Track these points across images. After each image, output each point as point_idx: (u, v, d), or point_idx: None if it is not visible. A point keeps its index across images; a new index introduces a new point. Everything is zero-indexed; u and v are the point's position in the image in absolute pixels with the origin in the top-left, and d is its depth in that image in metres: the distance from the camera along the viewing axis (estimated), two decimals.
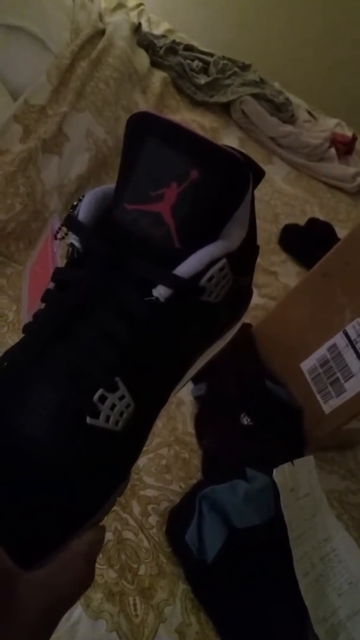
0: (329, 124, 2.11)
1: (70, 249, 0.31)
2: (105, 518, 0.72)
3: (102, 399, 0.28)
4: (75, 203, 0.32)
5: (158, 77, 1.68)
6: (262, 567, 0.77)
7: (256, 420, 0.97)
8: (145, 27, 1.94)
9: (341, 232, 1.59)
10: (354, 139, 2.01)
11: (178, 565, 0.76)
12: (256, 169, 0.33)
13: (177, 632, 0.70)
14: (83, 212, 0.31)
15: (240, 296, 0.36)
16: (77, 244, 0.31)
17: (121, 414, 0.29)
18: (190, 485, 0.84)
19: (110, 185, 0.32)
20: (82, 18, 1.48)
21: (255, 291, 1.28)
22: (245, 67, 2.08)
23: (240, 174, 0.31)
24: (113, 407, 0.28)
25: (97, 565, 0.72)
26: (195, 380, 1.01)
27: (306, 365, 1.00)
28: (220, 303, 0.31)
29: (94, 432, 0.28)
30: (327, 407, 0.96)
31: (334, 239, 1.51)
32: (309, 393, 0.99)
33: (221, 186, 0.30)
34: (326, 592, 0.82)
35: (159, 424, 0.90)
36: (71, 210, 0.32)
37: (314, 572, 0.82)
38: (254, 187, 0.33)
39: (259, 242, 1.28)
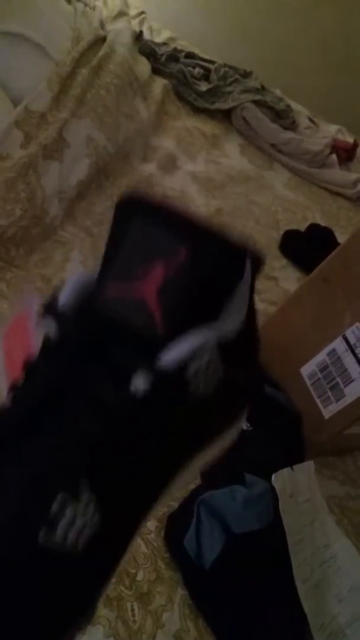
0: (330, 131, 2.12)
1: (46, 336, 0.28)
2: None
3: (62, 507, 0.23)
4: (57, 289, 0.29)
5: (159, 84, 1.69)
6: (260, 573, 0.76)
7: (255, 425, 0.96)
8: (146, 35, 1.96)
9: (342, 238, 1.59)
10: (355, 145, 2.02)
11: (176, 571, 0.75)
12: (255, 255, 0.29)
13: (175, 638, 0.70)
14: (64, 298, 0.28)
15: (238, 392, 0.31)
16: (53, 331, 0.27)
17: (83, 528, 0.23)
18: (188, 490, 0.84)
19: (93, 273, 0.30)
20: (83, 25, 1.50)
21: (255, 296, 1.29)
22: (246, 74, 2.09)
23: (234, 258, 0.28)
24: (74, 518, 0.23)
25: None
26: None
27: (306, 370, 1.00)
28: (210, 398, 0.27)
29: (47, 552, 0.22)
30: (327, 412, 0.96)
31: (334, 244, 1.51)
32: (308, 398, 0.99)
33: (212, 269, 0.27)
34: (326, 599, 0.81)
35: None
36: (52, 296, 0.29)
37: (314, 578, 0.81)
38: (254, 276, 0.30)
39: (260, 247, 1.27)
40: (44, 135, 1.08)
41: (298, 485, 0.87)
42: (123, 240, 0.28)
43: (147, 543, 0.76)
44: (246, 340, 0.30)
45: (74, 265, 1.06)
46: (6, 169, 1.00)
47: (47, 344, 0.27)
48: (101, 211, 1.20)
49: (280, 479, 0.83)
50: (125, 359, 0.26)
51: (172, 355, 0.25)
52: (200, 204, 1.42)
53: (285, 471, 0.85)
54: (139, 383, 0.25)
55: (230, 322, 0.28)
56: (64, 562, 0.23)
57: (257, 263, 0.29)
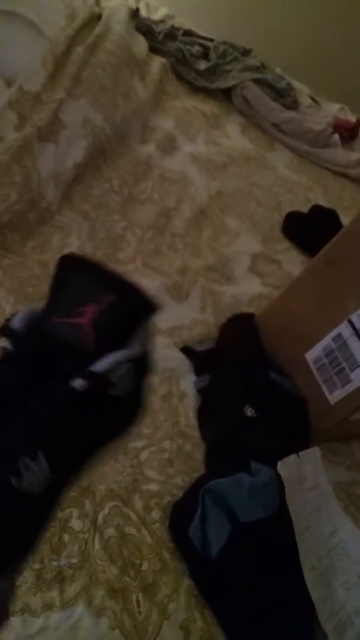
0: (332, 110, 2.07)
1: (4, 350, 0.38)
2: (108, 512, 0.70)
3: (26, 466, 0.33)
4: (8, 317, 0.39)
5: (157, 63, 1.64)
6: (267, 562, 0.75)
7: (260, 411, 0.95)
8: (143, 12, 1.91)
9: (346, 220, 1.56)
10: (358, 124, 1.97)
11: (182, 561, 0.74)
12: (153, 303, 0.41)
13: (182, 629, 0.69)
14: (16, 322, 0.38)
15: (137, 399, 0.43)
16: (9, 347, 0.37)
17: (39, 479, 0.34)
18: (193, 479, 0.82)
19: (39, 308, 0.40)
20: (78, 3, 1.45)
21: (258, 280, 1.27)
22: (246, 52, 2.04)
23: (142, 303, 0.40)
24: (34, 473, 0.33)
25: (98, 561, 0.70)
26: (199, 372, 0.99)
27: (311, 355, 0.98)
28: (124, 398, 0.38)
29: (15, 491, 0.33)
30: (333, 397, 0.94)
31: (338, 226, 1.48)
32: (314, 383, 0.97)
33: (128, 309, 0.39)
34: (333, 587, 0.80)
35: (161, 416, 0.89)
36: (6, 320, 0.39)
37: (321, 566, 0.80)
38: (151, 316, 0.41)
39: (262, 229, 1.25)
40: (38, 117, 1.05)
41: (304, 472, 0.86)
42: (66, 288, 0.39)
43: (151, 533, 0.75)
44: (143, 361, 0.41)
45: (72, 250, 1.03)
46: (0, 152, 0.96)
47: (5, 356, 0.37)
48: (99, 194, 1.17)
49: (287, 466, 0.81)
50: (68, 367, 0.36)
51: (101, 364, 0.36)
52: (200, 186, 1.39)
53: (291, 458, 0.83)
54: (79, 383, 0.35)
55: (137, 347, 0.40)
56: (27, 499, 0.33)
57: (155, 308, 0.40)
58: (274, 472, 0.79)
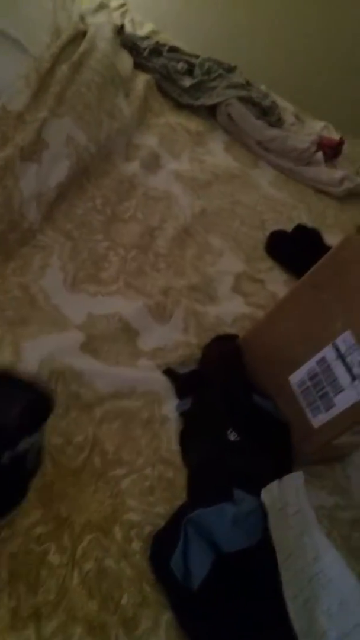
0: (316, 127, 2.10)
1: None
2: (86, 545, 0.69)
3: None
4: None
5: (142, 79, 1.65)
6: (251, 594, 0.74)
7: (243, 435, 0.94)
8: (128, 28, 1.91)
9: (329, 238, 1.57)
10: (341, 142, 2.00)
11: (163, 594, 0.72)
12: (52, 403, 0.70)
13: None
14: None
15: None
16: None
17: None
18: (175, 507, 0.81)
19: None
20: (62, 19, 1.45)
21: (241, 299, 1.26)
22: (230, 69, 2.05)
23: (47, 403, 0.69)
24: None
25: (76, 597, 0.68)
26: (181, 394, 0.98)
27: (294, 378, 0.98)
28: (32, 468, 0.62)
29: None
30: (317, 421, 0.94)
31: (322, 245, 1.49)
32: (297, 407, 0.97)
33: (44, 408, 0.68)
34: (316, 615, 0.79)
35: (142, 442, 0.87)
36: None
37: (303, 594, 0.79)
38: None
39: (246, 248, 1.27)
40: (21, 136, 1.03)
41: (287, 497, 0.85)
42: None
43: (132, 565, 0.73)
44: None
45: (53, 271, 1.02)
46: None
47: None
48: (82, 213, 1.16)
49: (269, 493, 0.80)
50: None
51: (21, 445, 0.59)
52: (184, 204, 1.39)
53: (275, 484, 0.82)
54: (5, 458, 0.54)
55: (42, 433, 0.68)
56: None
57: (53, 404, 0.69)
58: (258, 500, 0.78)
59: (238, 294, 1.25)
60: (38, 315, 0.94)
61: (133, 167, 1.35)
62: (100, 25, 1.57)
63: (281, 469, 0.91)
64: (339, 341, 0.91)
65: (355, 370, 0.88)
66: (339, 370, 0.91)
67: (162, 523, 0.78)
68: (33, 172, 1.05)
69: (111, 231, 1.18)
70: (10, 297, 0.93)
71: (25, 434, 0.65)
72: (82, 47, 1.36)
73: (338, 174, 1.86)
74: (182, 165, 1.51)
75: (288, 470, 0.92)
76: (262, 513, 0.78)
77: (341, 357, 0.91)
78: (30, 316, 0.94)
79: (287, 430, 0.96)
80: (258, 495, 0.80)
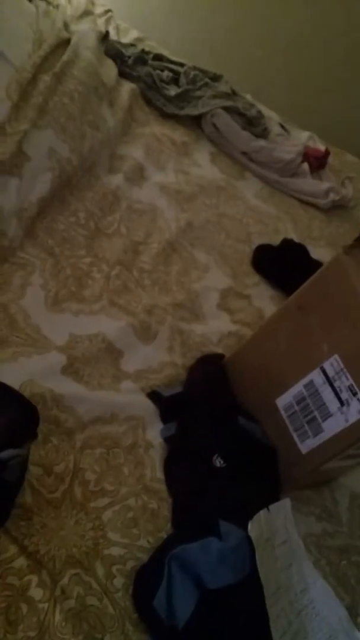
0: (302, 138, 2.08)
1: None
2: (67, 582, 0.66)
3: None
4: None
5: (126, 88, 1.62)
6: (237, 631, 0.71)
7: (229, 461, 0.91)
8: (113, 35, 1.88)
9: (315, 251, 1.56)
10: (327, 153, 1.98)
11: (146, 633, 0.70)
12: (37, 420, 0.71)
13: None
14: None
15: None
16: None
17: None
18: (159, 539, 0.78)
19: None
20: (45, 27, 1.42)
21: (227, 317, 1.24)
22: (216, 78, 2.03)
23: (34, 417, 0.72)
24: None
25: (58, 634, 0.65)
26: (165, 419, 0.95)
27: (282, 401, 0.95)
28: (10, 483, 0.61)
29: None
30: (304, 447, 0.92)
31: (308, 260, 1.47)
32: (285, 431, 0.95)
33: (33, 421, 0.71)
34: None
35: (125, 470, 0.84)
36: None
37: (291, 630, 0.77)
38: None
39: (232, 263, 1.26)
40: (1, 150, 1.00)
41: (274, 527, 0.82)
42: None
43: (113, 603, 0.70)
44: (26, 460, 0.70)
45: (34, 290, 0.99)
46: None
47: None
48: (64, 228, 1.13)
49: (257, 525, 0.78)
50: None
51: (5, 453, 0.62)
52: (169, 218, 1.36)
53: (262, 514, 0.80)
54: None
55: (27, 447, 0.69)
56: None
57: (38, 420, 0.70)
58: (244, 533, 0.76)
59: (224, 311, 1.23)
60: (18, 337, 0.91)
61: (117, 179, 1.32)
62: (84, 33, 1.54)
63: (268, 496, 0.89)
64: (327, 365, 0.89)
65: (344, 395, 0.87)
66: (327, 395, 0.89)
67: (145, 557, 0.76)
68: (14, 187, 1.01)
69: (94, 246, 1.15)
70: None
71: (8, 445, 0.65)
72: (66, 56, 1.33)
73: (324, 185, 1.85)
74: (167, 178, 1.48)
75: (276, 497, 0.90)
76: (248, 546, 0.76)
77: (329, 381, 0.89)
78: (9, 337, 0.90)
79: (274, 456, 0.94)
80: (244, 524, 0.78)
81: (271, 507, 0.82)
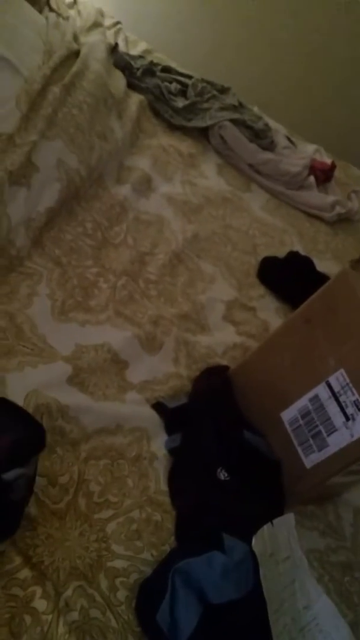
0: (308, 151, 2.09)
1: None
2: (71, 594, 0.66)
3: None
4: None
5: (135, 100, 1.63)
6: None
7: (234, 474, 0.91)
8: (122, 47, 1.90)
9: (320, 264, 1.56)
10: (333, 166, 1.99)
11: None
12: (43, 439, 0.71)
13: None
14: None
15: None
16: None
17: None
18: (162, 552, 0.78)
19: None
20: (55, 38, 1.43)
21: (232, 329, 1.24)
22: (224, 90, 2.05)
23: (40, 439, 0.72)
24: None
25: None
26: (170, 430, 0.95)
27: (287, 415, 0.95)
28: (16, 502, 0.63)
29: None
30: (309, 461, 0.91)
31: (314, 273, 1.47)
32: (289, 445, 0.94)
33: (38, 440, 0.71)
34: None
35: (129, 482, 0.84)
36: None
37: None
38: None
39: (238, 275, 1.26)
40: (10, 160, 1.01)
41: (278, 542, 0.82)
42: None
43: (116, 616, 0.70)
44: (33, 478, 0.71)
45: (41, 299, 0.99)
46: None
47: None
48: (72, 238, 1.13)
49: (260, 540, 0.78)
50: None
51: (10, 474, 0.63)
52: (175, 229, 1.36)
53: (265, 529, 0.80)
54: None
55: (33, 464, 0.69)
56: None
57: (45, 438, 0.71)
58: (248, 547, 0.75)
59: (229, 322, 1.23)
60: (24, 346, 0.91)
61: (124, 190, 1.33)
62: (94, 45, 1.55)
63: (272, 510, 0.88)
64: (332, 380, 0.89)
65: (349, 410, 0.86)
66: (332, 409, 0.89)
67: (148, 570, 0.75)
68: (22, 197, 1.02)
69: (101, 257, 1.15)
70: None
71: (14, 466, 0.66)
72: (75, 67, 1.34)
73: (329, 198, 1.86)
74: (174, 189, 1.49)
75: (280, 511, 0.90)
76: (252, 560, 0.75)
77: (334, 396, 0.89)
78: (15, 347, 0.91)
79: (279, 470, 0.94)
80: (248, 538, 0.77)
81: (275, 521, 0.82)
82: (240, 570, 0.73)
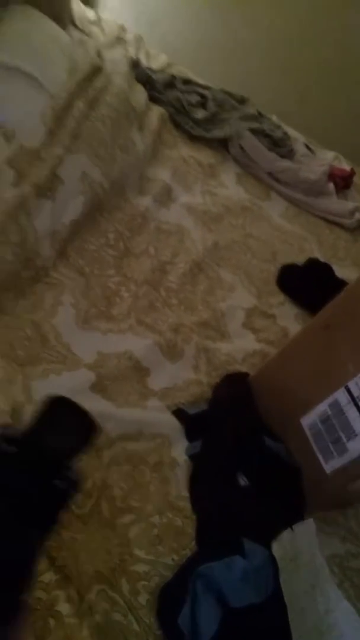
0: (327, 158, 2.10)
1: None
2: (94, 597, 0.67)
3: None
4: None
5: (156, 113, 1.66)
6: None
7: (253, 480, 0.92)
8: (143, 61, 1.94)
9: (340, 271, 1.56)
10: (352, 173, 2.00)
11: None
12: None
13: None
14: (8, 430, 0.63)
15: None
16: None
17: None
18: (183, 556, 0.80)
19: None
20: (79, 55, 1.47)
21: (252, 336, 1.25)
22: (243, 101, 2.07)
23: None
24: None
25: None
26: (191, 437, 0.96)
27: (306, 420, 0.96)
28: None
29: None
30: (329, 466, 0.92)
31: (334, 280, 1.48)
32: (309, 450, 0.95)
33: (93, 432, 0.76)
34: None
35: (151, 487, 0.86)
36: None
37: None
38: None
39: (257, 282, 1.27)
40: (36, 174, 1.04)
41: (298, 547, 0.83)
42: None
43: (138, 620, 0.72)
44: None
45: (65, 308, 1.02)
46: None
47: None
48: (95, 249, 1.16)
49: (281, 545, 0.79)
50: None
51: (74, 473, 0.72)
52: (195, 238, 1.39)
53: (286, 534, 0.81)
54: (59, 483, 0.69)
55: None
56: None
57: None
58: (268, 552, 0.76)
59: (249, 330, 1.24)
60: (49, 354, 0.94)
61: (146, 201, 1.36)
62: (116, 60, 1.59)
63: (292, 516, 0.89)
64: (352, 385, 0.90)
65: None
66: (352, 414, 0.89)
67: (169, 575, 0.77)
68: (48, 210, 1.05)
69: (123, 266, 1.18)
70: (21, 335, 0.93)
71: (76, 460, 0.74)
72: (99, 82, 1.38)
73: (349, 205, 1.86)
74: (194, 198, 1.51)
75: (300, 517, 0.90)
76: (272, 565, 0.76)
77: (354, 401, 0.89)
78: (40, 354, 0.93)
79: (299, 476, 0.95)
80: (268, 544, 0.78)
81: (295, 527, 0.83)
82: (261, 574, 0.74)
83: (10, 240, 0.95)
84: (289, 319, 1.35)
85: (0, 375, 0.86)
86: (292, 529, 0.82)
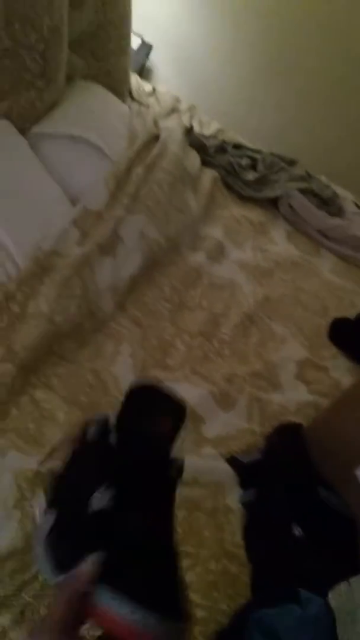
0: None
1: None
2: None
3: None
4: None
5: (208, 175, 1.76)
6: None
7: (308, 531, 0.92)
8: (196, 128, 2.07)
9: None
10: None
11: None
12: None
13: None
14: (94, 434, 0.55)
15: None
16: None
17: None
18: (238, 604, 0.80)
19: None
20: (138, 124, 1.60)
21: (304, 387, 1.27)
22: (292, 163, 2.16)
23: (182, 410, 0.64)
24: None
25: None
26: (245, 485, 0.98)
27: None
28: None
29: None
30: None
31: None
32: None
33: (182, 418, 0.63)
34: None
35: (206, 533, 0.87)
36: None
37: None
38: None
39: (309, 335, 1.28)
40: (99, 233, 1.13)
41: (355, 601, 0.81)
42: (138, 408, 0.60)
43: None
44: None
45: (124, 358, 1.07)
46: (63, 266, 1.04)
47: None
48: (151, 302, 1.23)
49: (337, 596, 0.78)
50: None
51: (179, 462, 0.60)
52: (247, 292, 1.44)
53: (342, 586, 0.79)
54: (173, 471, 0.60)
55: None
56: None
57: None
58: (324, 602, 0.76)
59: (301, 381, 1.26)
60: (108, 401, 0.99)
61: (199, 257, 1.43)
62: (171, 129, 1.71)
63: (348, 568, 0.88)
64: None
65: None
66: None
67: (225, 621, 0.77)
68: (109, 266, 1.13)
69: (177, 319, 1.23)
70: (83, 382, 0.99)
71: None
72: (155, 150, 1.49)
73: None
74: (246, 255, 1.57)
75: (356, 570, 0.89)
76: (329, 616, 0.75)
77: None
78: (101, 402, 0.98)
79: (354, 528, 0.94)
80: (324, 596, 0.77)
81: (352, 580, 0.82)
82: (317, 624, 0.73)
83: (74, 294, 1.03)
84: (342, 371, 1.35)
85: (63, 419, 0.91)
86: (348, 582, 0.81)
